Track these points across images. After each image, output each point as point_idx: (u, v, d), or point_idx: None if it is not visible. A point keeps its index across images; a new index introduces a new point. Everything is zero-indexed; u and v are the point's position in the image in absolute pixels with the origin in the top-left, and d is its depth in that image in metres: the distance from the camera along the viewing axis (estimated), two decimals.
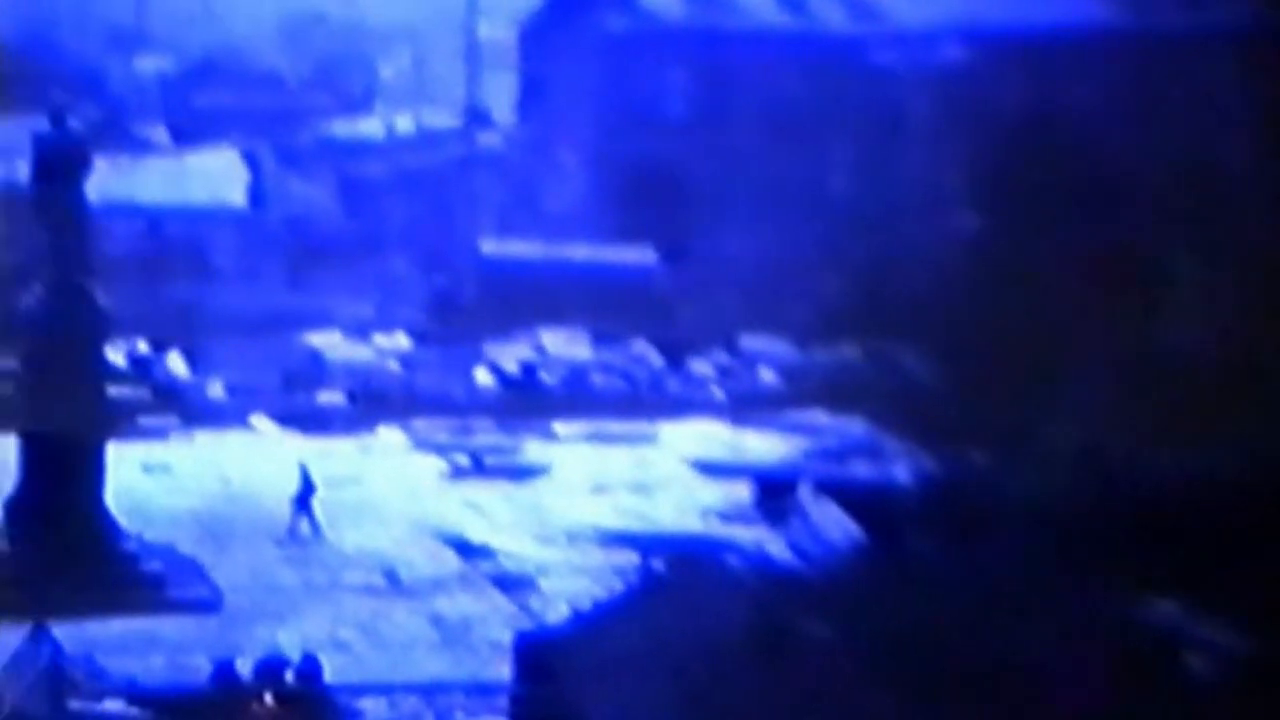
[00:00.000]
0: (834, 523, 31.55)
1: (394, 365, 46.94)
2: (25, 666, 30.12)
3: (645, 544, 35.74)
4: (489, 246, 47.58)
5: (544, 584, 35.12)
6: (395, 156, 48.79)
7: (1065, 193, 27.97)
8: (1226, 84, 25.98)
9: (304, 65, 48.01)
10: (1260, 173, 25.12)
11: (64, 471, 35.07)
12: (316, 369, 46.11)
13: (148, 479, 38.93)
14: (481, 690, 30.17)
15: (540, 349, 47.60)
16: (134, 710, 29.97)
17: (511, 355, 47.19)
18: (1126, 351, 25.05)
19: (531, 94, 47.81)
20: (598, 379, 47.48)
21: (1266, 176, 24.92)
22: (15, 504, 35.20)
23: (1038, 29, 34.38)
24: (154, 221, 43.42)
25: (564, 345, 47.75)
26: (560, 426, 44.75)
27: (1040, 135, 31.13)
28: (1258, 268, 23.90)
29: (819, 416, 40.84)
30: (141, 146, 45.53)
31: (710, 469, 41.26)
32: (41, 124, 36.50)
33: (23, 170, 36.93)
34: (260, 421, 44.16)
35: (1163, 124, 28.07)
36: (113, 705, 30.09)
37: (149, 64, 45.58)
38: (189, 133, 46.00)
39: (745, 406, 44.79)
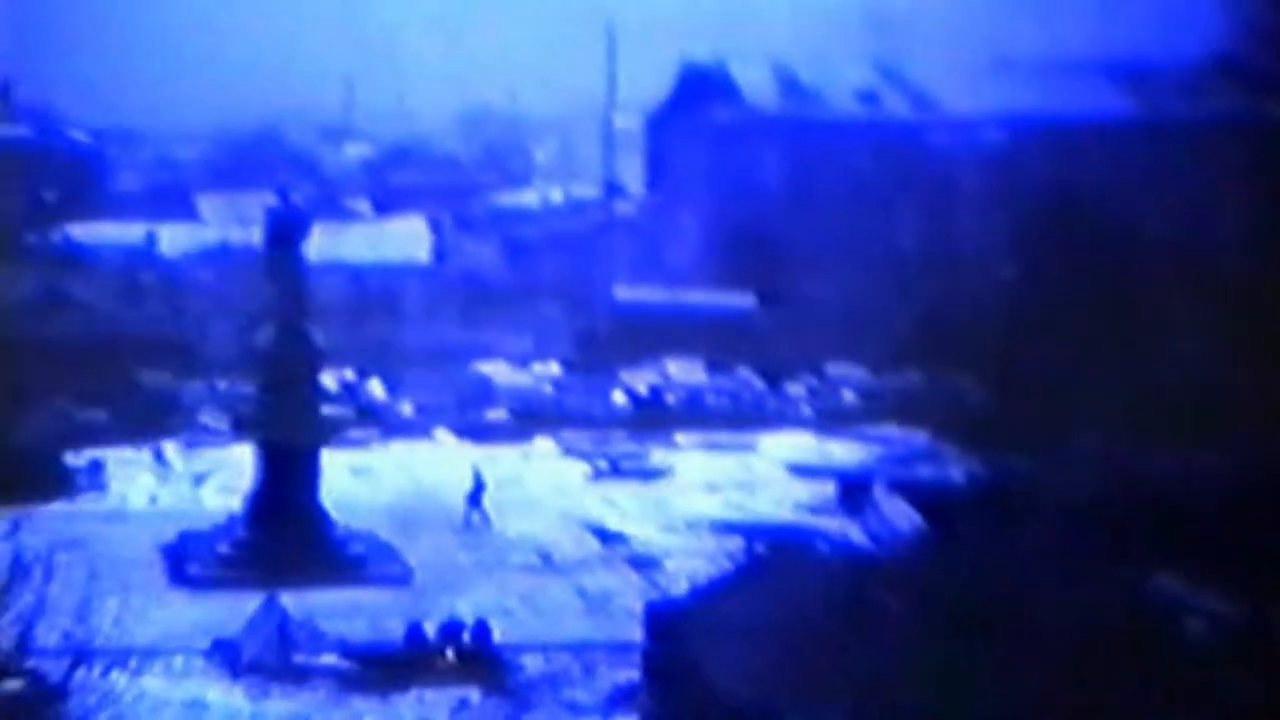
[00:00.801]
0: (901, 515, 31.38)
1: (547, 388, 46.76)
2: (260, 628, 30.68)
3: (748, 532, 35.39)
4: (622, 293, 47.49)
5: (668, 564, 34.93)
6: (547, 222, 48.56)
7: (1085, 249, 27.57)
8: (1218, 162, 25.73)
9: (475, 150, 47.50)
10: (1242, 230, 24.87)
11: (289, 473, 35.44)
12: (486, 391, 46.02)
13: (354, 480, 39.22)
14: (618, 649, 29.97)
15: (664, 375, 47.47)
16: (344, 663, 30.20)
17: (641, 380, 47.10)
18: (1134, 376, 24.77)
19: (656, 171, 48.14)
20: (710, 399, 47.16)
21: (1247, 234, 24.59)
22: (252, 499, 35.57)
23: (1064, 116, 34.35)
24: (357, 276, 43.64)
25: (683, 372, 47.55)
26: (680, 437, 44.68)
27: (1065, 202, 31.00)
28: (1240, 309, 23.63)
29: (890, 429, 41.10)
30: (348, 216, 45.88)
31: (801, 471, 41.07)
32: (271, 200, 37.10)
33: (257, 236, 37.13)
34: (442, 434, 44.29)
35: (1165, 195, 27.75)
36: (327, 659, 30.30)
37: (354, 151, 45.78)
38: (385, 205, 46.25)
39: (829, 421, 44.69)
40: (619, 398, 46.22)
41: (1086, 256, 27.77)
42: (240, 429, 37.83)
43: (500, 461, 40.80)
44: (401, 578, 34.37)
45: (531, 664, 30.31)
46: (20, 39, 37.16)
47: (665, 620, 28.92)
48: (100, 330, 40.14)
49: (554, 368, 47.08)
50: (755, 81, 45.68)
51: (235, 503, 36.31)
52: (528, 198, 49.13)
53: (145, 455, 40.57)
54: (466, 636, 30.52)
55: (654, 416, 45.27)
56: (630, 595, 32.65)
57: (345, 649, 30.55)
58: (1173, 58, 25.21)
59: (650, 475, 41.81)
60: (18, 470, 29.57)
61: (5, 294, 38.75)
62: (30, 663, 21.50)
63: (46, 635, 21.33)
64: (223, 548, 35.11)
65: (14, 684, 21.42)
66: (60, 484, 36.14)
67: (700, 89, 46.18)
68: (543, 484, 40.54)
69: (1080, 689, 21.75)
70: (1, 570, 21.35)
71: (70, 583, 22.46)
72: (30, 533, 22.35)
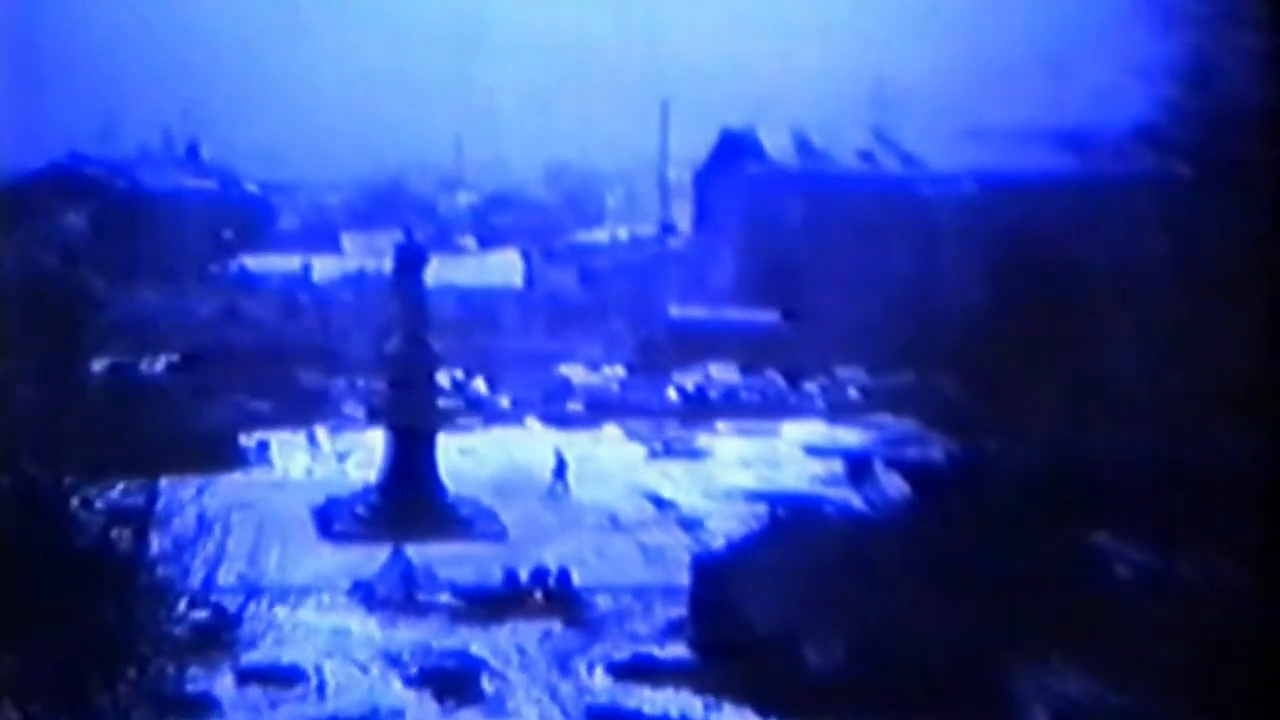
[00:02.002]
0: (894, 486, 31.22)
1: (614, 386, 46.53)
2: (389, 573, 31.02)
3: (773, 499, 35.12)
4: (674, 311, 47.26)
5: (709, 524, 34.67)
6: (614, 254, 48.15)
7: (1037, 276, 27.26)
8: (1140, 209, 25.36)
9: (557, 197, 47.14)
10: (1158, 262, 24.59)
11: (412, 452, 35.59)
12: (566, 388, 45.77)
13: (462, 457, 38.84)
14: (670, 591, 29.98)
15: (707, 375, 47.02)
16: (455, 601, 30.37)
17: (689, 379, 46.71)
18: (1075, 377, 24.56)
19: (701, 214, 47.59)
20: (743, 394, 46.73)
21: (1162, 265, 24.33)
22: (384, 472, 35.77)
23: (1022, 173, 33.65)
24: (465, 297, 43.41)
25: (722, 373, 47.07)
26: (720, 424, 44.28)
27: (1022, 240, 30.74)
28: (1157, 324, 23.40)
29: (885, 418, 40.22)
30: (458, 250, 45.37)
31: (815, 451, 40.81)
32: (398, 237, 37.33)
33: (387, 265, 37.35)
34: (531, 421, 43.99)
35: (1099, 234, 27.47)
36: (442, 597, 30.48)
37: (463, 198, 45.60)
38: (487, 241, 45.84)
39: (837, 412, 44.28)
40: (671, 393, 45.99)
41: (1038, 282, 27.54)
42: (374, 417, 37.87)
43: (577, 444, 40.51)
44: (499, 534, 34.31)
45: (602, 602, 30.28)
46: (205, 111, 37.51)
47: (707, 569, 29.15)
48: (267, 340, 40.32)
49: (619, 370, 46.83)
50: (778, 144, 45.38)
51: (370, 475, 36.27)
52: (599, 235, 49.08)
53: (301, 438, 40.61)
54: (551, 580, 30.57)
55: (698, 408, 44.96)
56: (679, 549, 32.37)
57: (456, 589, 30.59)
58: (1106, 127, 24.90)
59: (696, 455, 41.49)
60: (203, 449, 29.66)
61: (194, 311, 38.95)
62: (213, 597, 21.89)
63: (225, 576, 21.85)
64: (360, 510, 35.19)
65: (202, 613, 21.68)
66: (235, 459, 36.33)
67: (735, 150, 45.89)
68: (611, 461, 40.28)
69: (1033, 620, 22.01)
70: (191, 526, 21.61)
71: (243, 536, 22.84)
72: (212, 497, 22.20)
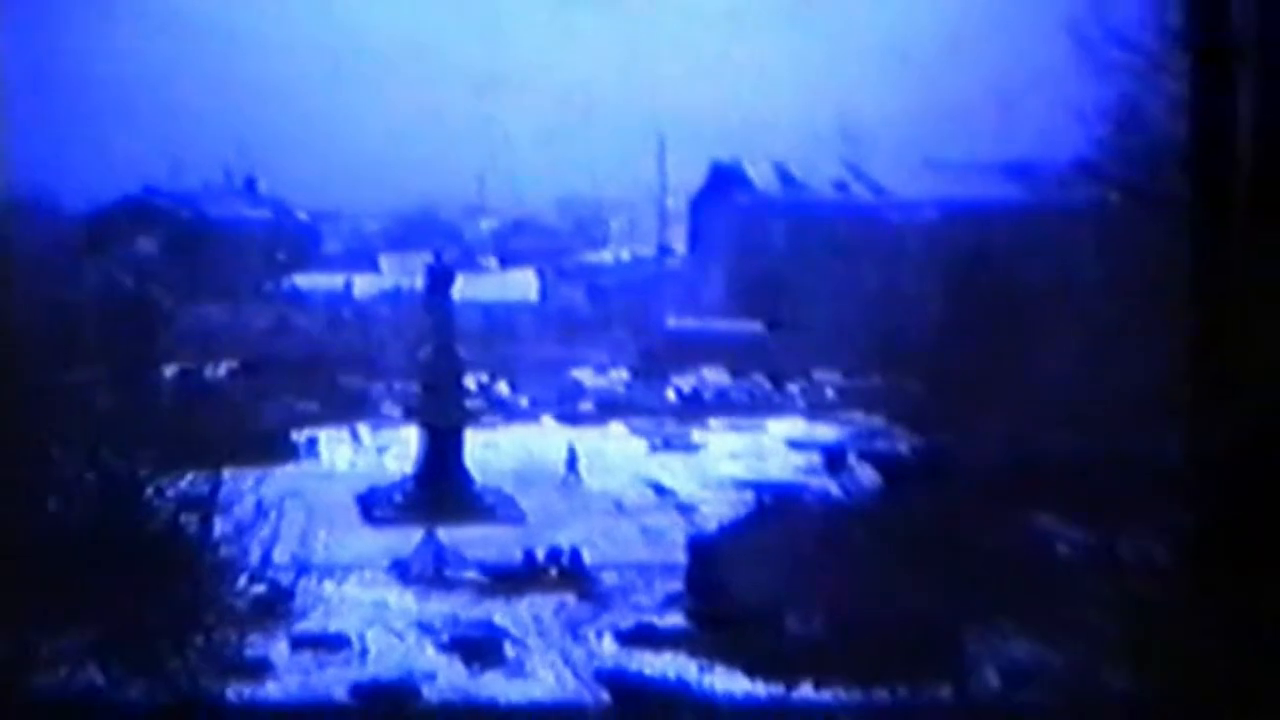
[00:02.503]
0: (866, 476, 31.05)
1: (620, 388, 45.99)
2: (423, 553, 30.78)
3: (759, 487, 34.76)
4: (671, 322, 47.12)
5: (703, 509, 34.25)
6: (619, 273, 48.01)
7: (991, 293, 27.32)
8: (1080, 233, 25.33)
9: (568, 223, 47.03)
10: (1097, 279, 24.61)
11: (443, 447, 35.53)
12: (577, 390, 45.40)
13: (486, 451, 38.47)
14: (669, 568, 29.71)
15: (701, 379, 46.61)
16: (480, 578, 30.18)
17: (685, 382, 46.27)
18: (1023, 381, 24.58)
19: (695, 238, 47.39)
20: (733, 395, 46.17)
21: (1101, 281, 24.34)
22: (418, 465, 35.67)
23: (977, 201, 33.47)
24: (488, 310, 43.12)
25: (714, 377, 46.63)
26: (712, 422, 43.81)
27: (978, 260, 30.78)
28: (1097, 334, 23.37)
29: (858, 416, 39.59)
30: (481, 269, 45.16)
31: (796, 445, 40.31)
32: (429, 259, 37.32)
33: (419, 284, 37.31)
34: (546, 420, 43.58)
35: (1045, 255, 27.44)
36: (469, 574, 30.31)
37: (485, 225, 45.40)
38: (507, 261, 45.74)
39: (816, 410, 43.85)
40: (669, 394, 45.72)
41: (990, 297, 27.74)
42: (409, 416, 37.54)
43: (586, 439, 40.24)
44: (519, 519, 34.09)
45: (608, 578, 30.16)
46: (260, 150, 37.68)
47: (701, 548, 29.03)
48: (314, 349, 40.26)
49: (623, 373, 46.51)
50: (762, 175, 45.22)
51: (406, 467, 36.02)
52: (604, 256, 49.09)
53: (345, 434, 40.31)
54: (564, 559, 30.44)
55: (693, 408, 44.69)
56: (677, 531, 32.10)
57: (481, 567, 30.44)
58: (1049, 162, 24.90)
59: (691, 448, 41.26)
60: (260, 444, 29.71)
61: (250, 324, 39.00)
62: (269, 574, 22.21)
63: (280, 556, 22.17)
64: (397, 497, 35.00)
65: (259, 588, 21.81)
66: (288, 453, 36.09)
67: (725, 181, 45.75)
68: (616, 455, 39.96)
69: (984, 591, 22.13)
70: (249, 512, 21.75)
71: (295, 521, 23.07)
72: (268, 487, 22.38)
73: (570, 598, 29.24)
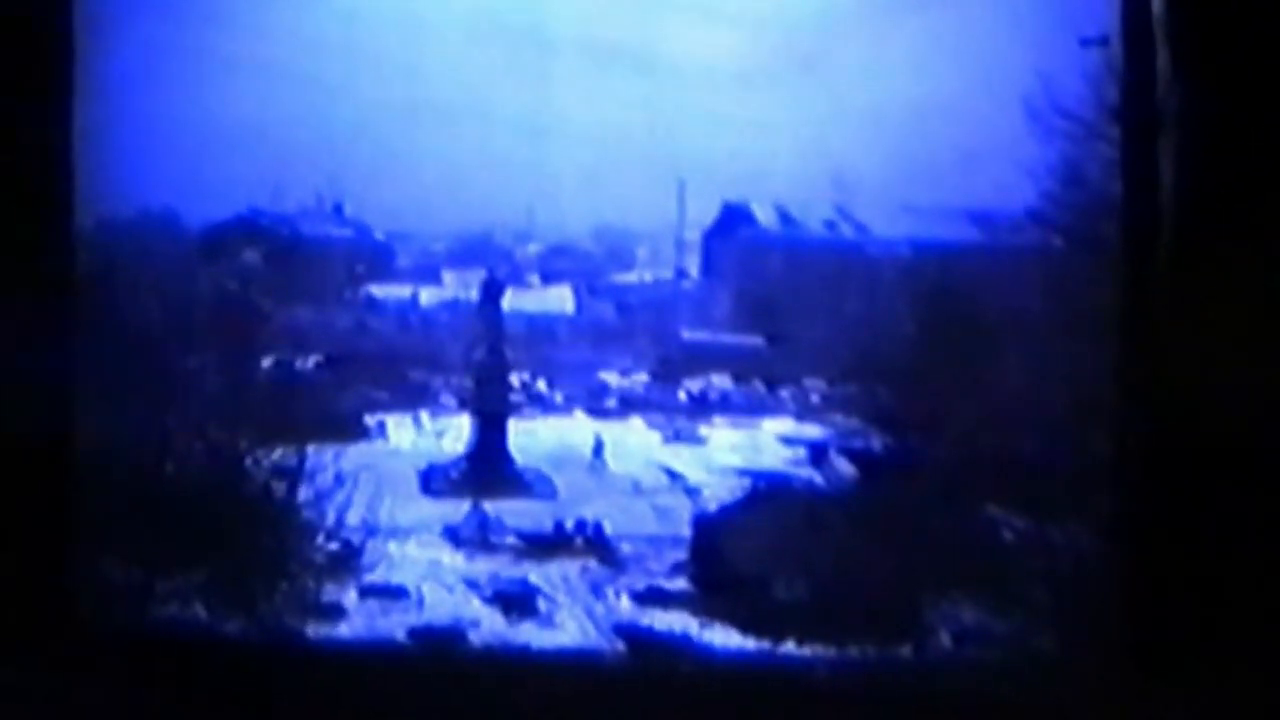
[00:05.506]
0: (845, 469, 31.05)
1: (639, 389, 43.62)
2: (471, 521, 30.86)
3: (755, 475, 33.90)
4: (685, 335, 45.43)
5: (706, 493, 33.40)
6: (642, 292, 46.68)
7: (954, 318, 27.56)
8: (1029, 271, 25.17)
9: (601, 249, 45.46)
10: (1044, 308, 24.47)
11: (490, 433, 35.35)
12: (604, 389, 43.74)
13: (526, 437, 37.49)
14: (676, 540, 29.63)
15: (708, 383, 44.05)
16: (518, 543, 30.24)
17: (695, 385, 43.86)
18: (980, 391, 24.72)
19: (707, 265, 45.44)
20: (735, 398, 43.24)
21: (1046, 310, 24.22)
22: (469, 447, 35.25)
23: (944, 241, 33.36)
24: (531, 320, 42.85)
25: (720, 381, 43.83)
26: (716, 419, 41.81)
27: (944, 291, 30.81)
28: (1046, 354, 23.33)
29: (839, 418, 37.31)
30: (525, 285, 43.89)
31: (787, 441, 38.16)
32: (483, 275, 37.17)
33: (474, 295, 37.27)
34: (578, 413, 42.13)
35: (1001, 287, 27.32)
36: (509, 540, 30.44)
37: (532, 248, 43.54)
38: (548, 279, 44.25)
39: (804, 412, 40.84)
40: (681, 395, 43.63)
41: (952, 322, 27.97)
42: (463, 406, 36.78)
43: (611, 430, 39.24)
44: (552, 495, 33.97)
45: (625, 547, 30.34)
46: (346, 180, 37.64)
47: (704, 525, 29.27)
48: (386, 347, 39.83)
49: (643, 377, 44.22)
50: (765, 214, 44.40)
51: (459, 448, 35.45)
52: (631, 278, 47.46)
53: (409, 420, 39.52)
54: (589, 530, 30.67)
55: (701, 407, 42.87)
56: (684, 510, 31.80)
57: (519, 534, 30.66)
58: (1005, 211, 24.92)
59: (698, 441, 40.06)
60: (338, 426, 29.83)
61: (333, 325, 38.93)
62: (343, 534, 22.83)
63: (352, 519, 22.58)
64: (452, 474, 34.65)
65: (334, 545, 22.17)
66: (361, 434, 35.02)
67: (733, 218, 45.01)
68: (635, 444, 39.02)
69: (940, 567, 22.42)
70: (329, 482, 22.09)
71: (365, 490, 23.53)
72: (344, 461, 22.95)
73: (593, 562, 29.38)
